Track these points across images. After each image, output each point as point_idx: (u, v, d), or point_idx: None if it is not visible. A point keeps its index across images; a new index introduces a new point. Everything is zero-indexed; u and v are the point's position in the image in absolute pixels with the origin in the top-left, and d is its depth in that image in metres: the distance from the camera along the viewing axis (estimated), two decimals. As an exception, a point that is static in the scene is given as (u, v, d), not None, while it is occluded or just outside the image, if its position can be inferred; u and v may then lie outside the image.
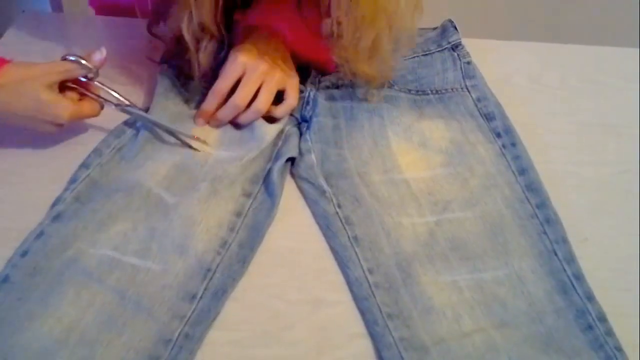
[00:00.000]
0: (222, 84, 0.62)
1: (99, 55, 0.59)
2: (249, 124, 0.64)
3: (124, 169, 0.59)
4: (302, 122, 0.66)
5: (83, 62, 0.58)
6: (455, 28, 0.74)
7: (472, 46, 0.74)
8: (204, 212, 0.56)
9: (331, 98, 0.68)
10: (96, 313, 0.49)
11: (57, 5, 0.97)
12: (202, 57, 0.62)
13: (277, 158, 0.61)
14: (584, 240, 0.57)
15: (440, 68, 0.71)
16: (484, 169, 0.61)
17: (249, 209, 0.58)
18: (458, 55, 0.72)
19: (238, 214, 0.57)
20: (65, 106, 0.57)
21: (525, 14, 1.26)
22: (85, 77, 0.59)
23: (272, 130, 0.63)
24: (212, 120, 0.64)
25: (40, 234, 0.53)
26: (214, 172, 0.59)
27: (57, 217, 0.54)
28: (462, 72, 0.70)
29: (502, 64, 0.77)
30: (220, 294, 0.52)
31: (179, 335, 0.49)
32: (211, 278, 0.52)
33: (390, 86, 0.69)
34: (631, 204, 0.62)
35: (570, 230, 0.57)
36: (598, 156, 0.67)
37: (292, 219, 0.59)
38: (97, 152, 0.60)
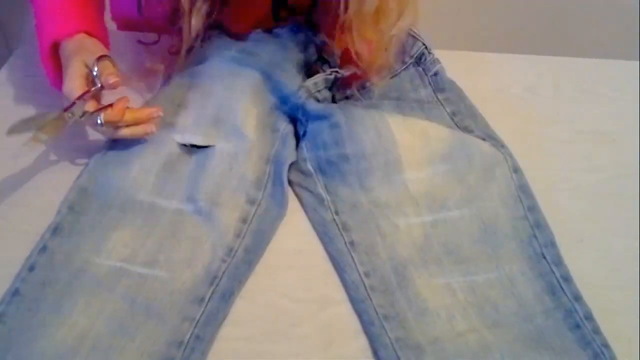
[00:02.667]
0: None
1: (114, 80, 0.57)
2: (220, 107, 0.63)
3: (112, 171, 0.59)
4: (297, 120, 0.65)
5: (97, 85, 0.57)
6: (413, 36, 0.71)
7: (471, 59, 0.76)
8: (209, 230, 0.56)
9: (324, 100, 0.67)
10: (107, 320, 0.50)
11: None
12: (195, 20, 0.62)
13: (278, 161, 0.61)
14: (580, 242, 0.59)
15: (410, 87, 0.70)
16: (482, 160, 0.61)
17: (254, 215, 0.58)
18: (423, 69, 0.70)
19: (243, 221, 0.57)
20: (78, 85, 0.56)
21: (521, 28, 1.28)
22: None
23: (250, 123, 0.62)
24: None
25: (43, 249, 0.53)
26: (208, 186, 0.58)
27: (56, 230, 0.55)
28: (432, 87, 0.69)
29: (499, 75, 0.78)
30: (227, 296, 0.53)
31: (190, 336, 0.50)
32: (218, 284, 0.53)
33: (370, 98, 0.68)
34: (624, 207, 0.64)
35: (566, 232, 0.58)
36: (592, 162, 0.68)
37: (299, 222, 0.60)
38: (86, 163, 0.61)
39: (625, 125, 0.73)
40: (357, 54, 0.63)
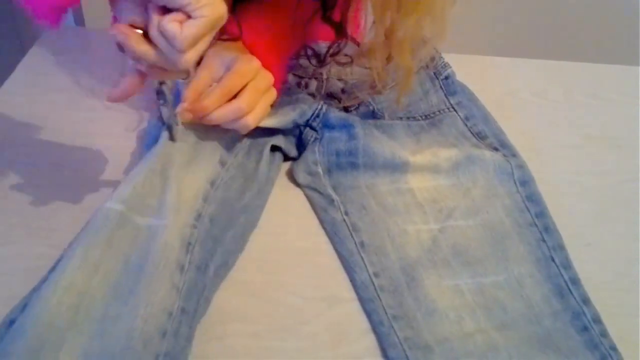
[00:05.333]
0: (233, 83, 0.55)
1: None
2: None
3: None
4: (306, 127, 0.65)
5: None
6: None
7: (480, 63, 0.77)
8: (186, 179, 0.55)
9: (343, 110, 0.67)
10: (103, 280, 0.47)
11: (79, 20, 1.01)
12: None
13: (258, 139, 0.62)
14: (587, 245, 0.60)
15: (421, 92, 0.69)
16: (486, 179, 0.62)
17: (221, 180, 0.58)
18: (434, 73, 0.69)
19: (212, 183, 0.57)
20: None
21: (531, 33, 1.28)
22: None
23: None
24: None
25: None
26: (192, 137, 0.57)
27: None
28: (443, 91, 0.69)
29: (508, 79, 0.79)
30: (203, 268, 0.52)
31: (177, 309, 0.49)
32: (192, 252, 0.52)
33: (382, 117, 0.67)
34: (631, 211, 0.64)
35: (574, 235, 0.59)
36: (600, 166, 0.69)
37: (309, 222, 0.61)
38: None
39: (633, 130, 0.74)
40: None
